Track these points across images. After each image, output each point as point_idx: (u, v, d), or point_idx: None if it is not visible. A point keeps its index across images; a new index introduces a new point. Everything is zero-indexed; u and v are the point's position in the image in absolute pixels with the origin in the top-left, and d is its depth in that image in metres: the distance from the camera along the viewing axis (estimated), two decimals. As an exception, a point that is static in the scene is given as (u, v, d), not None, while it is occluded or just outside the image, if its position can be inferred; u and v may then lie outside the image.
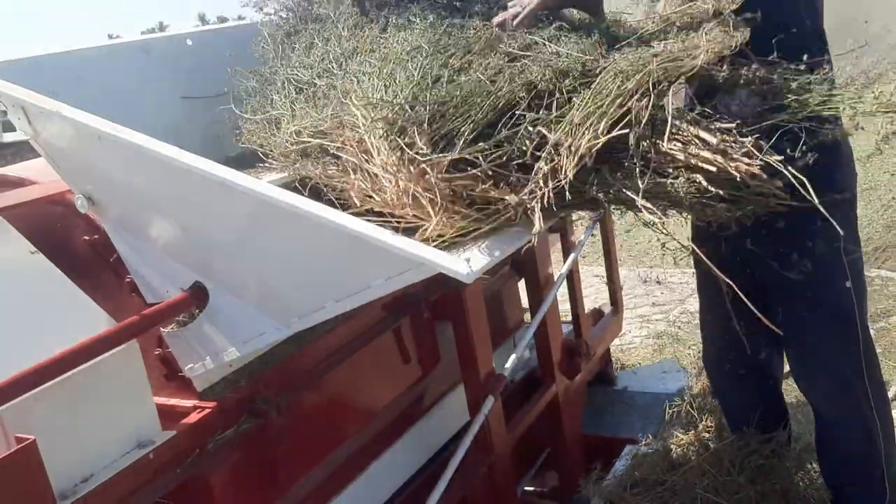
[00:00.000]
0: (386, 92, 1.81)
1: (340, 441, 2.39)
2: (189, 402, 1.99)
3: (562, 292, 3.32)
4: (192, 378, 1.97)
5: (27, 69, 1.95)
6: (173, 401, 2.01)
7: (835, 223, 1.86)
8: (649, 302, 5.75)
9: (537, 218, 1.55)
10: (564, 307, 3.47)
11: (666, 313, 5.56)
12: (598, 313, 3.86)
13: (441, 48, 1.99)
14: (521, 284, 3.35)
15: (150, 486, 1.82)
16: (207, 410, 1.96)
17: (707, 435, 3.04)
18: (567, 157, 1.57)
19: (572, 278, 3.42)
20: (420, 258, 1.41)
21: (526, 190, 1.60)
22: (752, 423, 2.85)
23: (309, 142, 1.89)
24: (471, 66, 1.90)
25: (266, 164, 2.08)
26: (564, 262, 3.34)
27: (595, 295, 5.30)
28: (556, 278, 3.26)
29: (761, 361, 2.81)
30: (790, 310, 2.47)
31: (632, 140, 1.62)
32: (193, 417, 1.94)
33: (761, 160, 1.64)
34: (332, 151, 1.83)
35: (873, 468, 2.55)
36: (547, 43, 1.95)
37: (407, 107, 1.70)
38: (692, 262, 2.81)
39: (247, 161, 2.16)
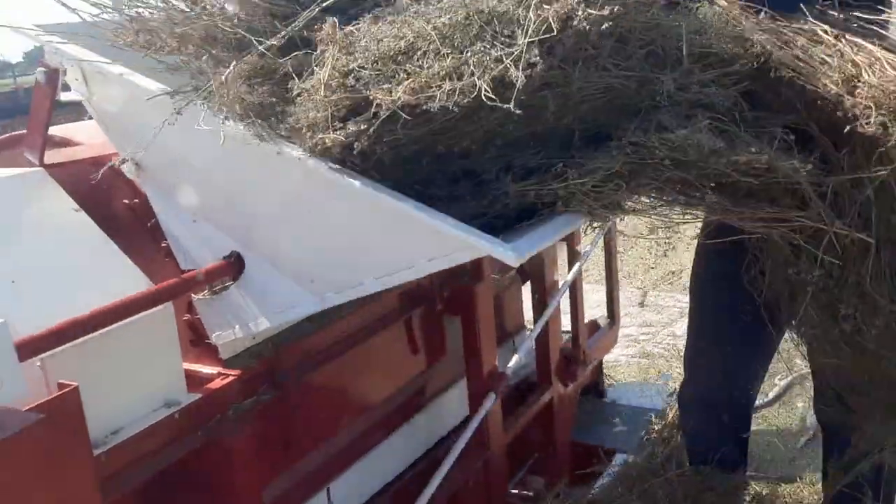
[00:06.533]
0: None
1: (348, 422, 2.45)
2: (213, 369, 2.04)
3: (561, 301, 3.40)
4: (219, 345, 2.02)
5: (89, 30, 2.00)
6: (196, 366, 2.06)
7: None
8: (637, 322, 5.84)
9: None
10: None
11: (653, 335, 5.65)
12: (594, 325, 3.93)
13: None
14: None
15: (173, 445, 1.87)
16: (231, 378, 2.01)
17: (669, 462, 3.09)
18: None
19: (575, 287, 3.49)
20: (468, 241, 1.48)
21: None
22: (713, 460, 2.87)
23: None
24: None
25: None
26: (569, 270, 3.42)
27: (588, 312, 5.38)
28: (560, 286, 3.33)
29: (742, 398, 2.87)
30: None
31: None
32: (217, 383, 1.99)
33: None
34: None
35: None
36: None
37: None
38: (689, 285, 2.88)
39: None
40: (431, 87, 1.50)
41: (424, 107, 1.49)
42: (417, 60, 1.55)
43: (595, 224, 1.78)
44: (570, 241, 3.44)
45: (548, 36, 1.53)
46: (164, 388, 1.88)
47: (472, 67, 1.51)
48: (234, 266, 1.92)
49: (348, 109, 1.55)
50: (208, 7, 1.81)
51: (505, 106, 1.46)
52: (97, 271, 1.89)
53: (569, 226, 1.65)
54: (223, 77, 1.60)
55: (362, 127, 1.51)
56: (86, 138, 2.19)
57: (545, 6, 1.56)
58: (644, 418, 3.78)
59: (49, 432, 1.50)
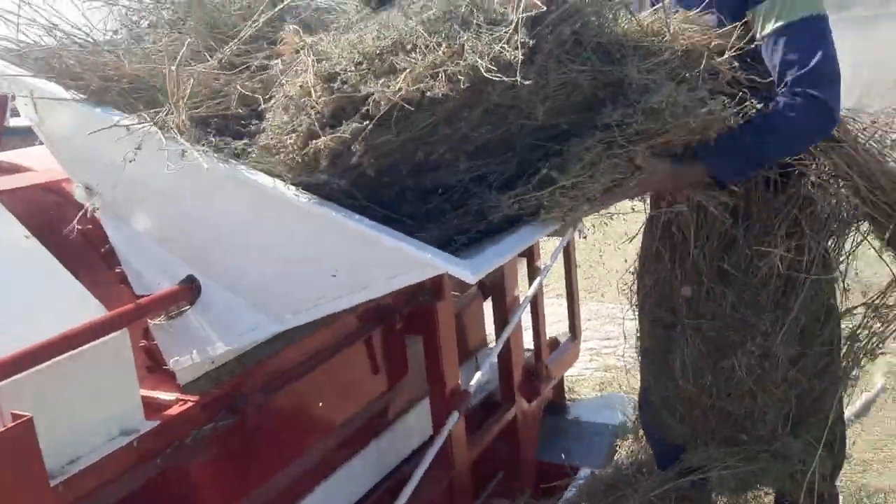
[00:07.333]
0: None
1: (309, 445, 2.43)
2: (171, 395, 2.01)
3: (523, 317, 3.41)
4: (176, 371, 1.99)
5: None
6: (154, 393, 2.04)
7: None
8: (600, 335, 5.87)
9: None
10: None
11: (615, 348, 5.67)
12: (554, 342, 3.94)
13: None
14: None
15: (132, 472, 1.85)
16: (189, 404, 1.99)
17: (640, 473, 3.13)
18: None
19: (536, 303, 3.50)
20: (424, 259, 1.48)
21: None
22: (675, 458, 2.92)
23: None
24: None
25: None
26: (529, 286, 3.43)
27: (551, 326, 5.40)
28: (521, 301, 3.34)
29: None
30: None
31: None
32: (175, 410, 1.97)
33: None
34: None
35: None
36: None
37: None
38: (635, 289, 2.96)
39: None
40: (428, 77, 1.53)
41: (429, 94, 1.52)
42: (407, 55, 1.58)
43: (562, 228, 1.86)
44: (530, 256, 3.45)
45: (538, 12, 1.62)
46: (121, 415, 1.85)
47: (467, 52, 1.55)
48: (190, 290, 1.90)
49: (333, 113, 1.56)
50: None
51: (511, 79, 1.52)
52: (50, 299, 1.86)
53: (525, 241, 1.67)
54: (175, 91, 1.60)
55: (356, 127, 1.52)
56: (36, 164, 2.17)
57: None
58: (607, 433, 3.80)
59: (3, 464, 1.48)
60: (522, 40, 1.56)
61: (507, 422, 3.29)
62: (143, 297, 1.95)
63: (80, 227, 2.04)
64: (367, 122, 1.52)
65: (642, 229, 2.86)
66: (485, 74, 1.51)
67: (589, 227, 2.72)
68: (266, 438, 2.20)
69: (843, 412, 2.83)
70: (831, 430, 2.67)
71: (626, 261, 2.91)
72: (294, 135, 1.56)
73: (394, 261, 1.53)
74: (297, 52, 1.70)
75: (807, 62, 2.20)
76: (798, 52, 2.21)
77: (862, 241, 2.62)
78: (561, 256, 3.72)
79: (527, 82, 1.54)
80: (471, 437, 2.96)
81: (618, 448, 3.50)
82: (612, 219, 2.54)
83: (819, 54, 2.20)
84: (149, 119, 1.65)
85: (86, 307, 1.86)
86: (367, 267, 1.60)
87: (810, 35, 2.23)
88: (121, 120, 1.69)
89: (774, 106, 2.23)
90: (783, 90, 2.22)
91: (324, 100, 1.55)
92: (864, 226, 2.60)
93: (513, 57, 1.54)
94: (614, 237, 2.92)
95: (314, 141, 1.54)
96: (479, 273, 1.44)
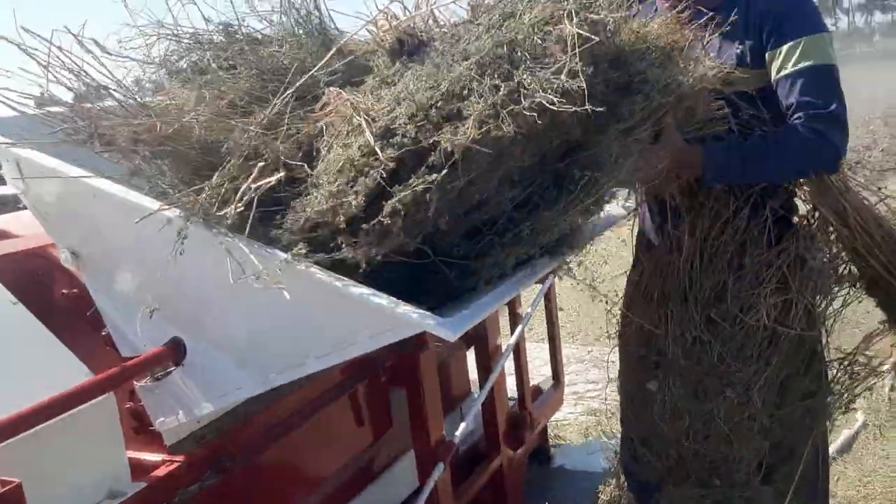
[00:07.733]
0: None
1: (297, 501, 2.44)
2: (157, 456, 2.03)
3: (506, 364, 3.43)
4: (162, 432, 2.01)
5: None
6: (141, 454, 2.05)
7: None
8: (583, 379, 5.89)
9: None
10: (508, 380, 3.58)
11: (600, 391, 5.69)
12: (537, 390, 3.97)
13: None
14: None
15: (119, 536, 1.86)
16: (175, 464, 2.01)
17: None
18: None
19: (518, 350, 3.53)
20: (405, 318, 1.51)
21: None
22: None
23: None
24: None
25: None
26: (511, 333, 3.46)
27: (536, 369, 5.42)
28: (504, 349, 3.37)
29: None
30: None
31: None
32: (162, 471, 1.99)
33: None
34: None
35: None
36: None
37: None
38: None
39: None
40: (491, 119, 1.57)
41: (499, 134, 1.56)
42: (462, 101, 1.62)
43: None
44: (512, 304, 3.49)
45: (591, 44, 1.68)
46: (108, 478, 1.87)
47: (527, 90, 1.60)
48: (174, 352, 1.92)
49: (393, 170, 1.56)
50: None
51: (581, 109, 1.59)
52: (37, 364, 1.89)
53: (505, 297, 1.70)
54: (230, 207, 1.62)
55: (431, 178, 1.54)
56: (21, 230, 2.19)
57: (559, 26, 1.72)
58: (592, 480, 3.82)
59: (-9, 532, 1.49)
60: (581, 68, 1.62)
61: (494, 471, 3.30)
62: (129, 359, 1.97)
63: (65, 291, 2.07)
64: (436, 173, 1.53)
65: (628, 270, 2.90)
66: (554, 108, 1.56)
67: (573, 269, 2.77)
68: (253, 497, 2.21)
69: (827, 460, 2.87)
70: (808, 480, 2.71)
71: (606, 302, 2.94)
72: (354, 195, 1.55)
73: (375, 319, 1.55)
74: (344, 115, 1.69)
75: (823, 106, 2.32)
76: (816, 94, 2.33)
77: (851, 303, 2.69)
78: (542, 302, 3.76)
79: (599, 109, 1.62)
80: (457, 489, 2.97)
81: (600, 494, 3.53)
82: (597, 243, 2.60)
83: (836, 102, 2.33)
84: (190, 208, 1.65)
85: (72, 371, 1.88)
86: (350, 325, 1.62)
87: (828, 81, 2.36)
88: (159, 209, 1.69)
89: (787, 129, 2.33)
90: (797, 121, 2.32)
91: (389, 157, 1.54)
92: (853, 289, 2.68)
93: (577, 87, 1.60)
94: (598, 278, 2.97)
95: (388, 202, 1.52)
96: (458, 332, 1.47)
